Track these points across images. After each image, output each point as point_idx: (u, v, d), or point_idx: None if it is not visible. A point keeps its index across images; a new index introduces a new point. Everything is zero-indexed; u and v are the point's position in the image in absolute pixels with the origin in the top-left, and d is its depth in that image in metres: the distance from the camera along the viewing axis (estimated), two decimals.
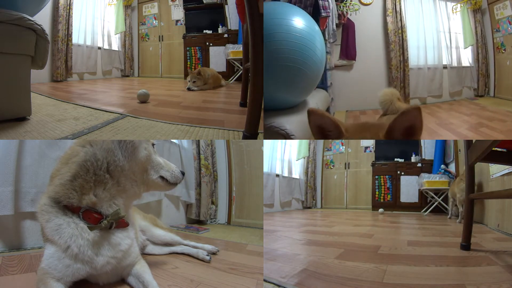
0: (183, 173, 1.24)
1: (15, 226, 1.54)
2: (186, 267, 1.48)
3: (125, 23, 5.73)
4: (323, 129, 0.95)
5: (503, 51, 4.31)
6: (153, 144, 1.19)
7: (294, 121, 1.73)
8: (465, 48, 4.55)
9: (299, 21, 1.73)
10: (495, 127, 2.95)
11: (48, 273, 0.94)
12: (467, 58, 4.60)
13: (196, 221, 3.01)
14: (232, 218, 3.19)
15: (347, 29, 4.22)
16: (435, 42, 4.52)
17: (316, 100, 2.37)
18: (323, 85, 3.32)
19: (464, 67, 4.60)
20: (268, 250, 1.82)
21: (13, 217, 1.51)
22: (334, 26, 3.52)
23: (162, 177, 1.16)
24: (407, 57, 4.37)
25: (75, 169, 0.98)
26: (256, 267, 1.47)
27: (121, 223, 1.06)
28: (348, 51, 4.26)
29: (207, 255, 1.59)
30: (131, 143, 1.08)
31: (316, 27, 1.85)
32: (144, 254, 1.59)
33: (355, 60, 4.32)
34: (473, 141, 1.85)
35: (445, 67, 4.57)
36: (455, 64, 4.60)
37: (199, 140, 3.03)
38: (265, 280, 1.25)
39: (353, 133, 0.93)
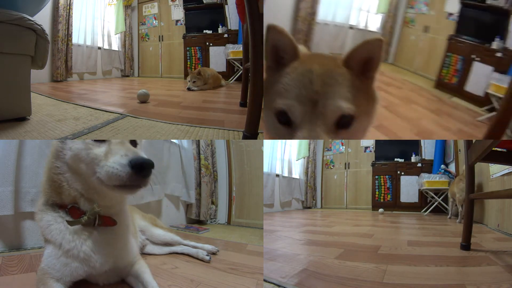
0: (141, 164, 0.80)
1: (15, 226, 1.54)
2: (186, 267, 1.48)
3: (125, 23, 5.73)
4: (278, 50, 0.82)
5: (411, 26, 4.69)
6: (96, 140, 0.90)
7: None
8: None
9: None
10: (392, 92, 3.09)
11: (48, 273, 0.94)
12: None
13: (196, 221, 3.01)
14: (232, 218, 3.19)
15: None
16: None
17: None
18: None
19: None
20: (268, 250, 1.82)
21: (13, 217, 1.51)
22: None
23: (99, 178, 0.86)
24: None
25: (47, 167, 0.99)
26: (256, 267, 1.47)
27: (107, 221, 1.00)
28: None
29: (207, 255, 1.59)
30: (53, 147, 0.96)
31: None
32: (143, 254, 1.59)
33: None
34: (473, 141, 1.85)
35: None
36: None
37: (199, 140, 3.03)
38: (265, 280, 1.25)
39: (308, 59, 0.82)
